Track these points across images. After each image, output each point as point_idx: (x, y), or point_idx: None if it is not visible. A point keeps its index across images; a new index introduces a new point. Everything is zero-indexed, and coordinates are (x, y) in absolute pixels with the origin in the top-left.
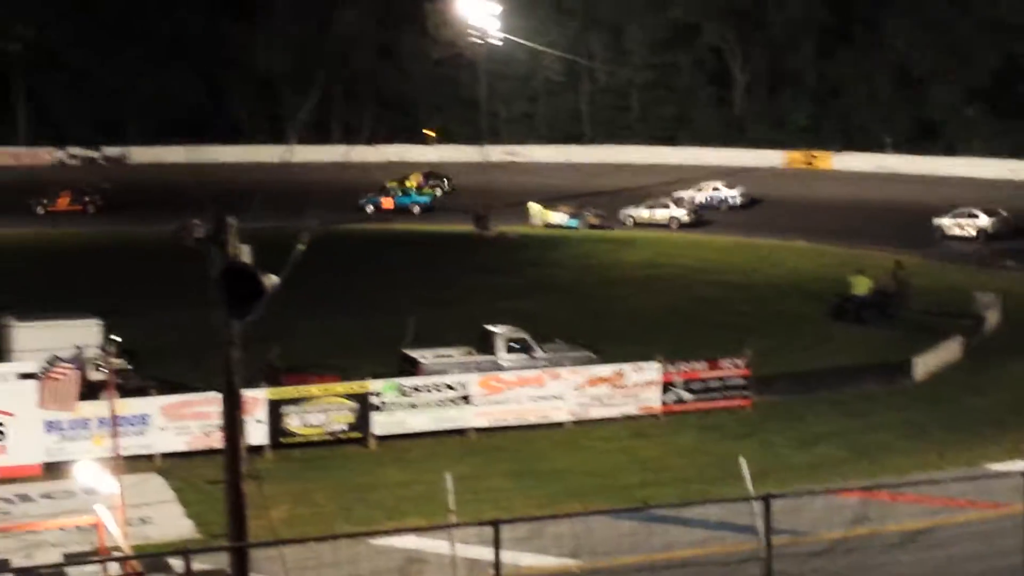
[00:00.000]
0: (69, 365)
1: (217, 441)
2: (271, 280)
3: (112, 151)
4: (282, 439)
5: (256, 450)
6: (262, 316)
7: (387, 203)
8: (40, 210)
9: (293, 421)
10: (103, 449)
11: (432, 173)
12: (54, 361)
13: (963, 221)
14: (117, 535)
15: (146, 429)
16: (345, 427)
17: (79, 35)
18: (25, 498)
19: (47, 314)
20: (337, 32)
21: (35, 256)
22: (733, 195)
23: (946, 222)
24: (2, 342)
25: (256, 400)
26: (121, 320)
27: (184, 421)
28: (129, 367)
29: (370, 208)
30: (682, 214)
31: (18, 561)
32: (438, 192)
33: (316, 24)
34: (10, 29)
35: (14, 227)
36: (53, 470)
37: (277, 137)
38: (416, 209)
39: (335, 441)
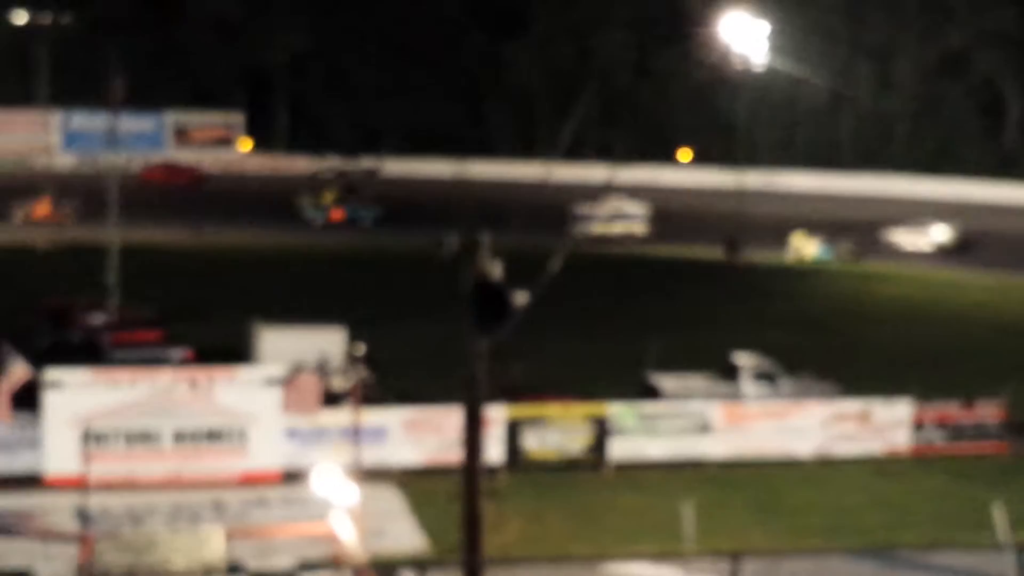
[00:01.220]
0: (313, 372)
1: (454, 457)
2: (520, 298)
3: (367, 162)
4: (518, 458)
5: (492, 469)
6: (508, 333)
7: (336, 215)
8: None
9: (530, 441)
10: (342, 458)
11: (348, 188)
12: (298, 368)
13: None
14: (352, 545)
15: (384, 441)
16: (582, 449)
17: (343, 47)
18: (263, 503)
19: (294, 321)
20: (598, 52)
21: (293, 264)
22: (636, 211)
23: (901, 236)
24: (249, 347)
25: (494, 418)
26: (366, 330)
27: (422, 435)
28: (371, 377)
29: (318, 220)
30: (639, 226)
31: (253, 564)
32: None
33: (578, 44)
34: (277, 39)
35: (276, 234)
36: (292, 476)
37: (530, 154)
38: (368, 222)
39: (571, 463)
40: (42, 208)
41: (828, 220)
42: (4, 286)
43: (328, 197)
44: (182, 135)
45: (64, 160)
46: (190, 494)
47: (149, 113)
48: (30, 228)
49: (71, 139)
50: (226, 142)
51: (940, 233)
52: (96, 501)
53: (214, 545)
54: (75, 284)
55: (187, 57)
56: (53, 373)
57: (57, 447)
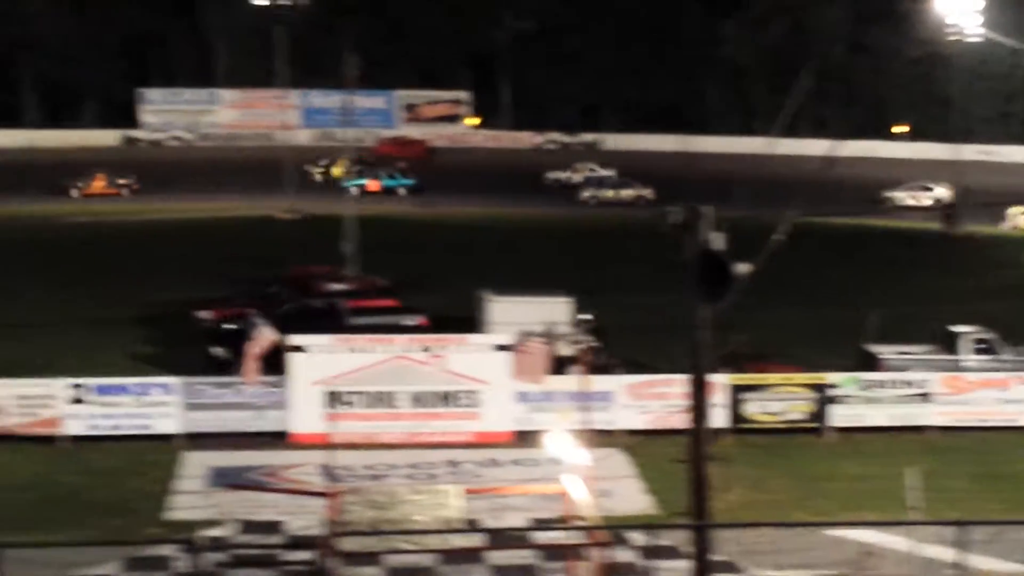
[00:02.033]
0: (541, 340)
1: (678, 421)
2: (742, 268)
3: (588, 137)
4: (740, 424)
5: (715, 433)
6: (730, 303)
7: (373, 185)
8: (75, 193)
9: (752, 407)
10: (569, 422)
11: (361, 159)
12: (527, 335)
13: (918, 193)
14: (583, 505)
15: (610, 406)
16: (803, 417)
17: (565, 25)
18: (495, 463)
19: (522, 290)
20: (814, 28)
21: (518, 235)
22: (609, 175)
23: (899, 194)
24: (480, 315)
25: (718, 384)
26: (591, 299)
27: (646, 400)
28: (597, 345)
29: (354, 190)
30: (648, 192)
31: (487, 522)
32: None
33: (792, 19)
34: (501, 18)
35: (501, 206)
36: (522, 438)
37: (747, 129)
38: (402, 191)
39: (792, 430)
40: (98, 184)
41: None
42: (251, 256)
43: (339, 168)
44: (412, 111)
45: (303, 136)
46: (426, 453)
47: (381, 91)
48: (86, 202)
49: (309, 116)
50: (453, 118)
51: (940, 192)
52: (339, 458)
53: (453, 502)
54: (315, 253)
55: (417, 37)
56: (298, 338)
57: (302, 408)
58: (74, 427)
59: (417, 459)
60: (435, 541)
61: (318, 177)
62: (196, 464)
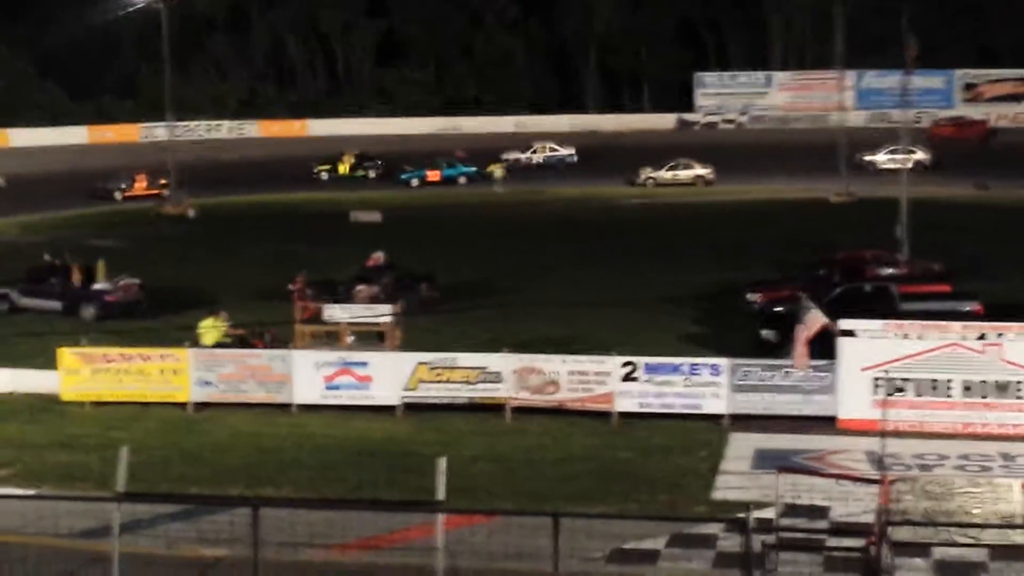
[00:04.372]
0: None
1: None
2: None
3: None
4: None
5: None
6: None
7: (433, 176)
8: (118, 195)
9: None
10: None
11: (363, 155)
12: None
13: (899, 157)
14: None
15: None
16: None
17: None
18: None
19: None
20: None
21: None
22: (569, 153)
23: (880, 158)
24: None
25: None
26: None
27: None
28: None
29: (415, 182)
30: (707, 172)
31: None
32: (371, 172)
33: None
34: None
35: None
36: None
37: None
38: (462, 179)
39: None
40: (140, 185)
41: None
42: (804, 239)
43: (345, 165)
44: (971, 91)
45: (856, 117)
46: (977, 445)
47: (939, 71)
48: (128, 203)
49: (864, 97)
50: (1016, 98)
51: (921, 155)
52: (888, 446)
53: (1012, 497)
54: (866, 236)
55: (979, 15)
56: (848, 323)
57: (850, 393)
58: (625, 404)
59: (968, 450)
60: (991, 536)
61: (324, 176)
62: (742, 445)
